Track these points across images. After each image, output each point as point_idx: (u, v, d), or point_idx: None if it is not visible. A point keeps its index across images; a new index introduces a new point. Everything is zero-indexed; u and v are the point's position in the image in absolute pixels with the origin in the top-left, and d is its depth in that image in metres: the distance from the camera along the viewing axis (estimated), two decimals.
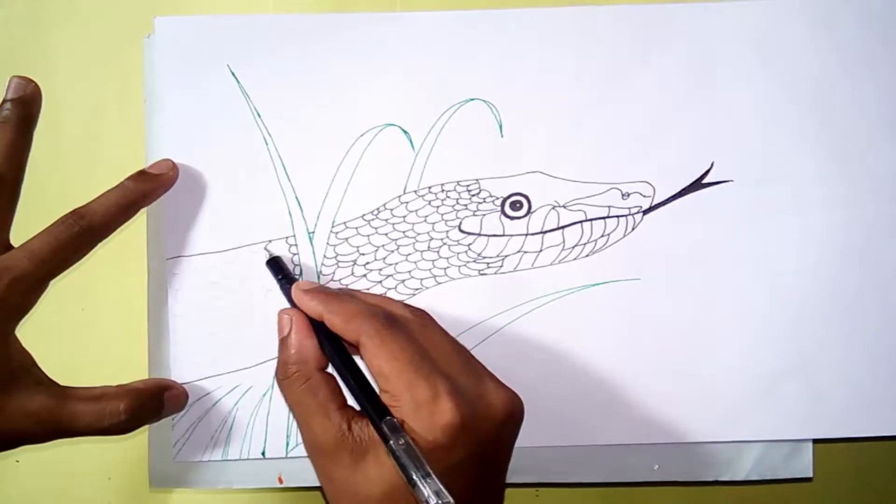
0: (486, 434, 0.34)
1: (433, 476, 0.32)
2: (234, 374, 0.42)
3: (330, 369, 0.38)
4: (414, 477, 0.32)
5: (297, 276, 0.42)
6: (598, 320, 0.43)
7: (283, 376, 0.37)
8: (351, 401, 0.37)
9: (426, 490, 0.32)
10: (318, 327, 0.38)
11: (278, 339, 0.38)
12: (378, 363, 0.35)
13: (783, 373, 0.43)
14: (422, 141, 0.43)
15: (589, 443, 0.43)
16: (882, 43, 0.43)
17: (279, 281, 0.41)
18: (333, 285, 0.43)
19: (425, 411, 0.33)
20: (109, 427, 0.37)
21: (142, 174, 0.41)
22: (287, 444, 0.42)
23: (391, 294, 0.43)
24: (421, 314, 0.38)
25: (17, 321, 0.37)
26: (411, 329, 0.36)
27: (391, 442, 0.33)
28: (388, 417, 0.34)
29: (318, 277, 0.43)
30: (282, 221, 0.43)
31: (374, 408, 0.35)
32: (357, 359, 0.37)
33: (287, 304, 0.40)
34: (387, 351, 0.35)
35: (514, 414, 0.36)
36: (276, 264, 0.41)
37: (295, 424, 0.41)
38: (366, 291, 0.42)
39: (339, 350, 0.37)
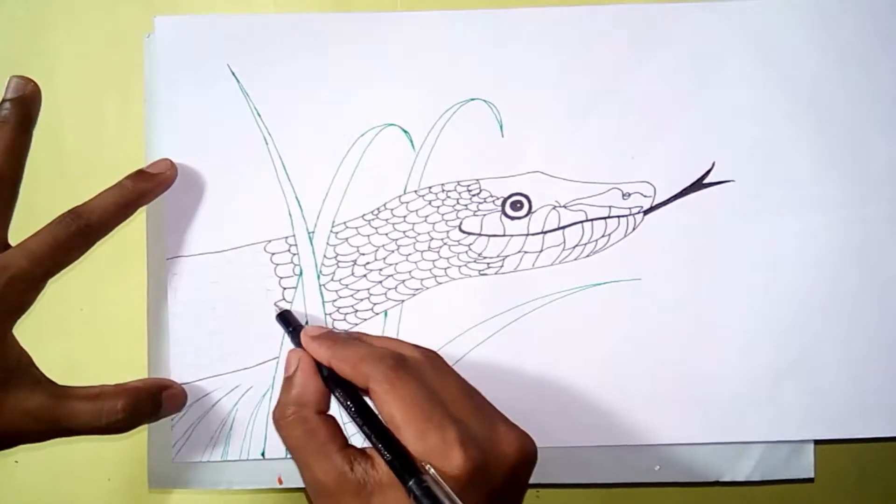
0: (499, 479, 0.34)
1: None
2: (233, 375, 0.42)
3: (334, 412, 0.37)
4: None
5: (304, 325, 0.41)
6: (599, 321, 0.43)
7: (281, 417, 0.37)
8: (353, 440, 0.36)
9: None
10: (330, 373, 0.37)
11: (283, 378, 0.38)
12: (388, 410, 0.34)
13: (784, 373, 0.43)
14: (422, 141, 0.43)
15: (590, 443, 0.42)
16: (881, 43, 0.43)
17: (289, 333, 0.41)
18: (333, 286, 0.43)
19: (437, 460, 0.33)
20: (107, 426, 0.37)
21: (140, 173, 0.41)
22: None
23: (391, 294, 0.43)
24: (431, 355, 0.38)
25: (14, 320, 0.37)
26: (422, 371, 0.36)
27: (411, 482, 0.32)
28: (404, 455, 0.33)
29: (319, 277, 0.43)
30: (282, 221, 0.43)
31: (390, 449, 0.34)
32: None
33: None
34: (397, 397, 0.34)
35: (526, 457, 0.35)
36: (284, 318, 0.41)
37: None
38: (377, 335, 0.41)
39: (350, 394, 0.36)
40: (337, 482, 0.34)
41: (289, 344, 0.42)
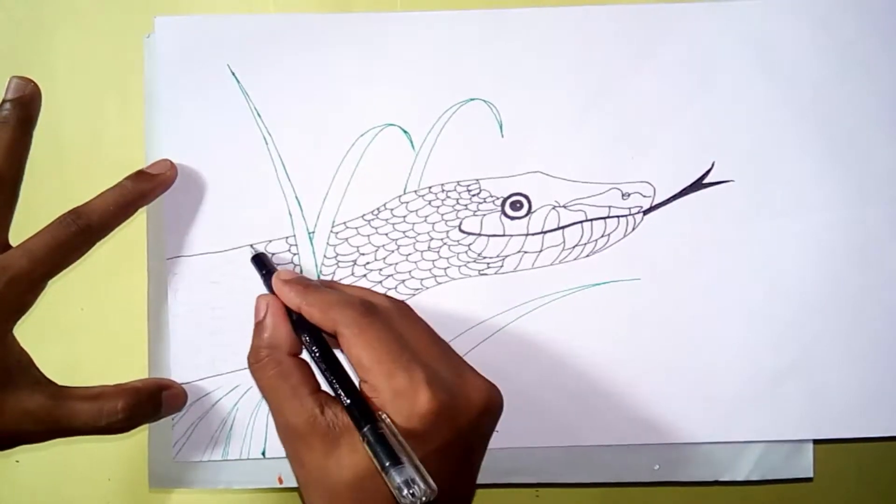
0: (463, 424, 0.34)
1: (414, 461, 0.32)
2: (233, 374, 0.42)
3: (306, 356, 0.38)
4: (387, 464, 0.32)
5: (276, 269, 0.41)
6: (599, 320, 0.43)
7: (255, 360, 0.37)
8: (325, 387, 0.37)
9: (398, 477, 0.31)
10: (298, 318, 0.38)
11: (254, 323, 0.39)
12: (356, 352, 0.35)
13: (784, 373, 0.43)
14: (422, 141, 0.43)
15: (589, 443, 0.43)
16: (882, 43, 0.43)
17: (263, 276, 0.41)
18: None
19: (404, 400, 0.33)
20: (107, 426, 0.37)
21: (140, 174, 0.41)
22: None
23: (391, 294, 0.43)
24: (400, 304, 0.39)
25: (15, 321, 0.37)
26: (390, 318, 0.36)
27: (366, 429, 0.33)
28: (362, 402, 0.34)
29: (318, 277, 0.43)
30: (282, 221, 0.43)
31: (349, 394, 0.35)
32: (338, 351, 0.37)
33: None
34: (364, 340, 0.35)
35: (491, 405, 0.36)
36: (259, 261, 0.41)
37: None
38: (347, 284, 0.42)
39: (316, 339, 0.37)
40: (307, 423, 0.34)
41: None
